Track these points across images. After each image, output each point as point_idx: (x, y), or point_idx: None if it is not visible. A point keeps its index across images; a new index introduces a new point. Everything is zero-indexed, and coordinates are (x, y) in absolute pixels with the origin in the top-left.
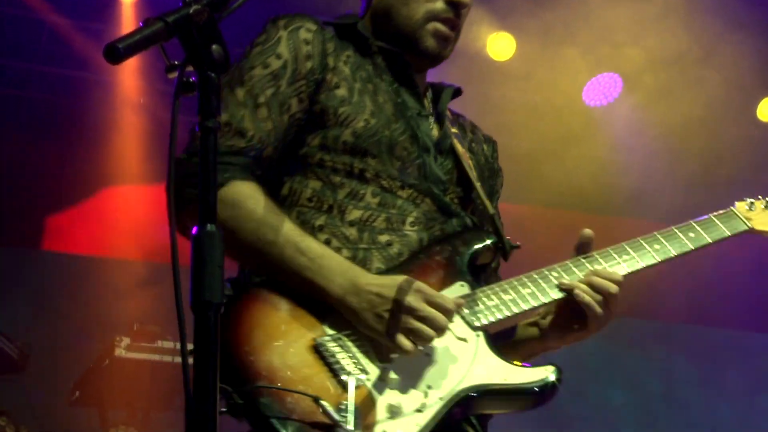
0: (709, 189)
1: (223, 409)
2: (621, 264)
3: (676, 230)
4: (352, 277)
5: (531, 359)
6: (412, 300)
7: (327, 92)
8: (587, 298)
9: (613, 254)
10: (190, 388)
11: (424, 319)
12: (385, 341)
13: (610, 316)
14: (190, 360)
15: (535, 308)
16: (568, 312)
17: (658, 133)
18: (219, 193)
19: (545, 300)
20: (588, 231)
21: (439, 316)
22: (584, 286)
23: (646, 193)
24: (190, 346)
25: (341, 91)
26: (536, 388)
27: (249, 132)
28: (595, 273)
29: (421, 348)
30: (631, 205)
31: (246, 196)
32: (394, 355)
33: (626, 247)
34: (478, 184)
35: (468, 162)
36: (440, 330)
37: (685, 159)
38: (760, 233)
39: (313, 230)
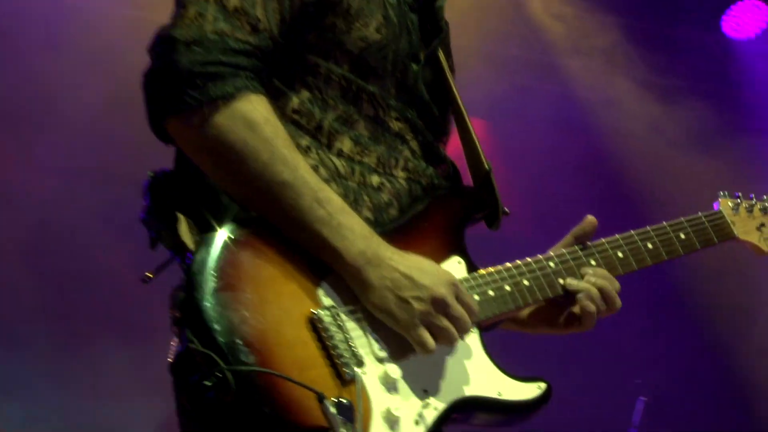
0: None
1: (207, 383)
2: (617, 266)
3: (668, 228)
4: (375, 247)
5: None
6: (447, 294)
7: None
8: (592, 307)
9: (610, 250)
10: None
11: (453, 319)
12: (403, 331)
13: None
14: None
15: (531, 304)
16: (556, 307)
17: None
18: (229, 106)
19: (544, 296)
20: (592, 219)
21: (467, 318)
22: (594, 292)
23: None
24: None
25: None
26: (526, 407)
27: (262, 23)
28: (603, 279)
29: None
30: None
31: (263, 118)
32: (404, 351)
33: (621, 242)
34: (467, 117)
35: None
36: (465, 333)
37: None
38: (743, 243)
39: (298, 149)
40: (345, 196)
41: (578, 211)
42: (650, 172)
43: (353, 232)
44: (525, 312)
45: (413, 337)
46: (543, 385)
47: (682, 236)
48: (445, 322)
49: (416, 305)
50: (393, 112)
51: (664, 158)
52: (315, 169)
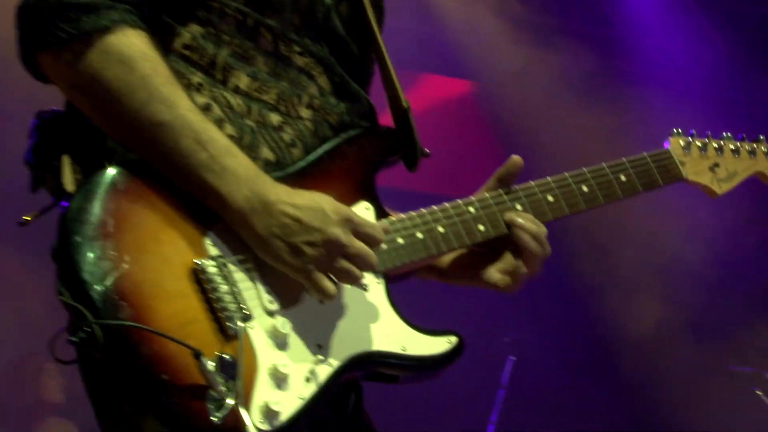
0: None
1: (74, 338)
2: (546, 211)
3: (607, 170)
4: (261, 191)
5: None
6: (340, 233)
7: None
8: (533, 246)
9: (539, 193)
10: None
11: (353, 257)
12: (300, 280)
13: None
14: None
15: (443, 252)
16: (478, 257)
17: None
18: (103, 41)
19: (461, 244)
20: (517, 158)
21: (369, 253)
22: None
23: None
24: None
25: None
26: (434, 362)
27: None
28: (531, 223)
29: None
30: None
31: (140, 53)
32: (298, 303)
33: (552, 184)
34: (387, 56)
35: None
36: (370, 269)
37: None
38: (693, 184)
39: (188, 88)
40: (240, 137)
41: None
42: (528, 119)
43: (237, 177)
44: (445, 261)
45: (310, 286)
46: (454, 339)
47: (623, 178)
48: (344, 264)
49: (309, 251)
50: (296, 46)
51: (542, 105)
52: (207, 107)
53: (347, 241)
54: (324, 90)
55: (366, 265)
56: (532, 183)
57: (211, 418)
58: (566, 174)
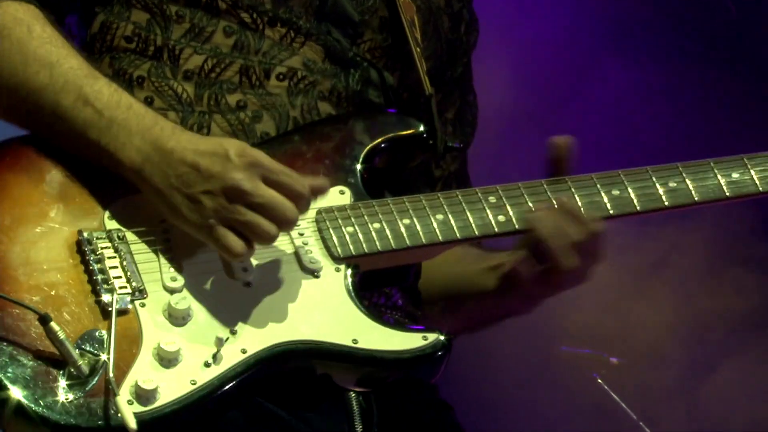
0: None
1: None
2: (604, 202)
3: (713, 165)
4: (157, 139)
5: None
6: (243, 178)
7: None
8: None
9: (598, 184)
10: None
11: (260, 207)
12: (203, 239)
13: (582, 275)
14: None
15: (437, 245)
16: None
17: None
18: None
19: (465, 236)
20: (562, 139)
21: (281, 202)
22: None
23: None
24: None
25: None
26: (398, 361)
27: None
28: (559, 207)
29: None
30: None
31: (16, 21)
32: (215, 279)
33: (623, 177)
34: (416, 47)
35: (407, 8)
36: (285, 224)
37: None
38: None
39: (130, 84)
40: (184, 120)
41: None
42: None
43: (128, 129)
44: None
45: (213, 243)
46: (432, 336)
47: (735, 175)
48: (249, 215)
49: (207, 202)
50: (266, 16)
51: None
52: (149, 100)
53: (251, 187)
54: (311, 62)
55: (278, 218)
56: (593, 175)
57: (63, 397)
58: (648, 168)
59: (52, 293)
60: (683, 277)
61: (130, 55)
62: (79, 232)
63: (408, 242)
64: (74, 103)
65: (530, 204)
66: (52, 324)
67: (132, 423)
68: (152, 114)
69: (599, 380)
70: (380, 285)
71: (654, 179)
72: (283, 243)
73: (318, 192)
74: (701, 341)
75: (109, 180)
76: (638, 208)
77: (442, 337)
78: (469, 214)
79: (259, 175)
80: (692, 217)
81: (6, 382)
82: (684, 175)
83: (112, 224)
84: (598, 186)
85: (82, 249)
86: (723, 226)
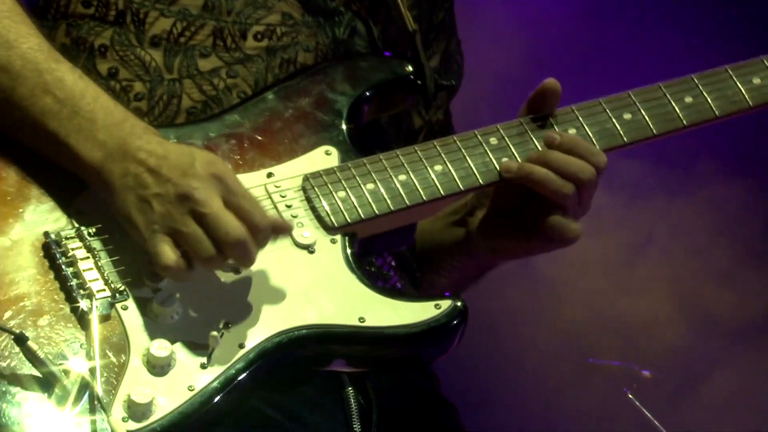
0: None
1: None
2: (618, 133)
3: (731, 73)
4: (123, 136)
5: (462, 287)
6: (198, 187)
7: None
8: (554, 185)
9: (607, 108)
10: None
11: (206, 221)
12: (142, 242)
13: (579, 214)
14: None
15: (439, 200)
16: (510, 207)
17: None
18: None
19: (462, 187)
20: (552, 81)
21: (234, 225)
22: (540, 171)
23: None
24: None
25: None
26: (409, 335)
27: None
28: (560, 144)
29: (190, 271)
30: None
31: None
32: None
33: (633, 97)
34: None
35: None
36: (229, 247)
37: None
38: None
39: (91, 54)
40: (150, 96)
41: None
42: None
43: (93, 121)
44: (477, 229)
45: (149, 249)
46: (446, 303)
47: (756, 81)
48: (192, 228)
49: (156, 206)
50: None
51: None
52: (113, 72)
53: (203, 197)
54: (288, 16)
55: (222, 239)
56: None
57: (56, 421)
58: (659, 84)
59: (24, 307)
60: None
61: (89, 21)
62: (46, 234)
63: (407, 201)
64: (32, 90)
65: (536, 143)
66: (30, 343)
67: None
68: (122, 110)
69: (630, 395)
70: (380, 250)
71: (668, 96)
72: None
73: (280, 232)
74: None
75: (69, 173)
76: (654, 131)
77: (458, 303)
78: (470, 160)
79: (218, 191)
80: None
81: None
82: (700, 87)
83: (79, 221)
84: (608, 111)
85: (50, 252)
86: None
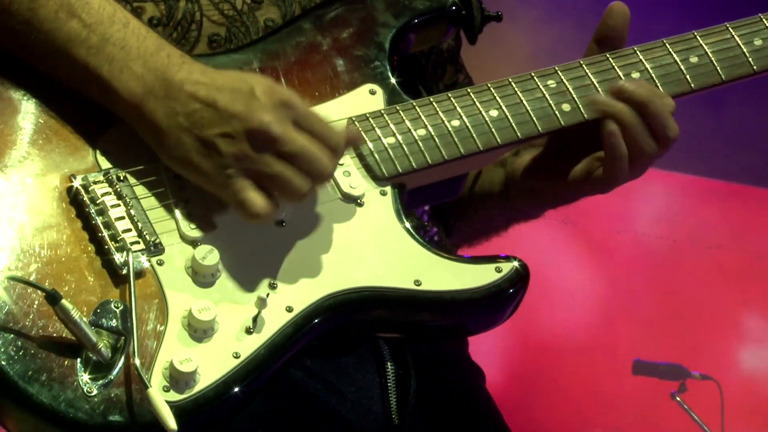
0: None
1: None
2: (685, 78)
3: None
4: (162, 67)
5: (485, 238)
6: (272, 121)
7: None
8: (617, 136)
9: (673, 53)
10: None
11: (292, 157)
12: (216, 191)
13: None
14: None
15: (495, 149)
16: (564, 150)
17: None
18: None
19: (527, 134)
20: (620, 5)
21: (315, 153)
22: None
23: None
24: None
25: None
26: (470, 300)
27: None
28: (645, 91)
29: (278, 211)
30: None
31: None
32: (228, 220)
33: (699, 39)
34: None
35: None
36: (319, 179)
37: None
38: None
39: None
40: (168, 14)
41: None
42: None
43: (126, 50)
44: (521, 171)
45: (230, 198)
46: (508, 266)
47: None
48: (278, 166)
49: (225, 147)
50: None
51: None
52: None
53: (281, 132)
54: None
55: (313, 172)
56: (664, 40)
57: (85, 390)
58: (726, 24)
59: (50, 261)
60: None
61: None
62: (72, 177)
63: (462, 150)
64: (56, 13)
65: (596, 85)
66: (64, 302)
67: (172, 423)
68: (155, 36)
69: (678, 398)
70: (425, 203)
71: (736, 37)
72: None
73: (354, 144)
74: None
75: (91, 106)
76: (723, 77)
77: (517, 265)
78: (527, 105)
79: (290, 119)
80: None
81: (17, 380)
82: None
83: (106, 163)
84: (674, 54)
85: (78, 199)
86: None
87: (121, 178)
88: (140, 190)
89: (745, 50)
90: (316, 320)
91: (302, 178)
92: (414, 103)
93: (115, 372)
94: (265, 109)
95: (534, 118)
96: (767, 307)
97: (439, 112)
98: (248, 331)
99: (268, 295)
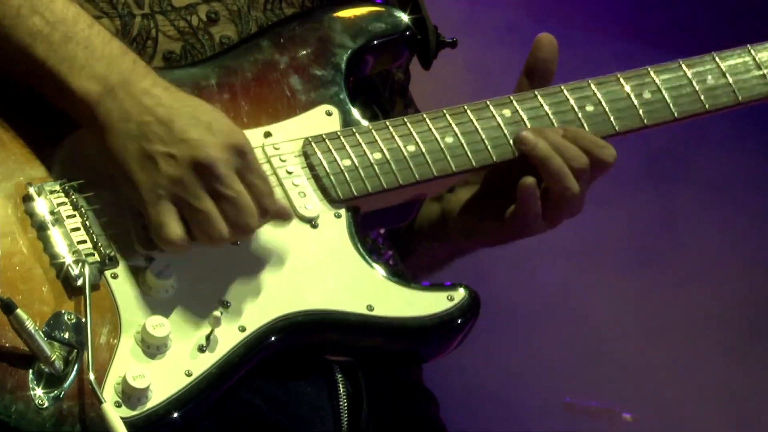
0: None
1: None
2: (610, 119)
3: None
4: (128, 71)
5: (435, 270)
6: (221, 160)
7: None
8: (565, 181)
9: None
10: None
11: (225, 201)
12: (139, 204)
13: (574, 210)
14: None
15: (449, 177)
16: (499, 187)
17: None
18: None
19: (480, 162)
20: (547, 37)
21: (251, 209)
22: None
23: None
24: None
25: None
26: (420, 329)
27: None
28: (571, 136)
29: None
30: None
31: None
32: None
33: (652, 75)
34: None
35: None
36: (240, 231)
37: None
38: None
39: None
40: (124, 29)
41: None
42: None
43: (90, 50)
44: (458, 209)
45: (150, 216)
46: (459, 294)
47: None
48: (207, 204)
49: (165, 167)
50: None
51: None
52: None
53: (224, 173)
54: None
55: (237, 223)
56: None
57: (37, 403)
58: (680, 61)
59: (4, 269)
60: None
61: None
62: (27, 185)
63: (417, 175)
64: (17, 9)
65: (551, 116)
66: (19, 312)
67: None
68: (119, 42)
69: None
70: (377, 227)
71: (689, 74)
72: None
73: (282, 218)
74: None
75: (48, 115)
76: (676, 114)
77: (471, 296)
78: (482, 134)
79: (236, 165)
80: None
81: None
82: (720, 65)
83: (63, 173)
84: (627, 89)
85: (33, 208)
86: None
87: (76, 188)
88: (96, 201)
89: (697, 88)
90: (268, 341)
91: (224, 224)
92: (370, 126)
93: (67, 385)
94: (217, 147)
95: (489, 147)
96: None
97: (395, 137)
98: (201, 349)
99: (222, 313)
